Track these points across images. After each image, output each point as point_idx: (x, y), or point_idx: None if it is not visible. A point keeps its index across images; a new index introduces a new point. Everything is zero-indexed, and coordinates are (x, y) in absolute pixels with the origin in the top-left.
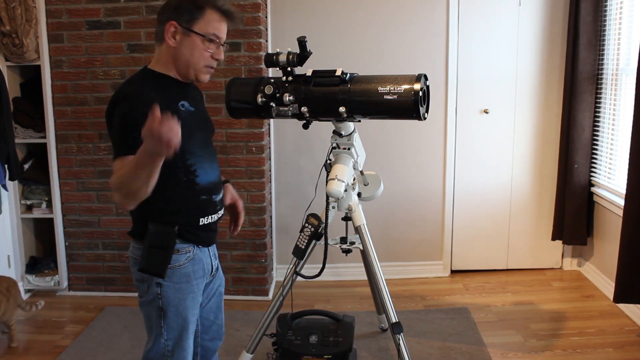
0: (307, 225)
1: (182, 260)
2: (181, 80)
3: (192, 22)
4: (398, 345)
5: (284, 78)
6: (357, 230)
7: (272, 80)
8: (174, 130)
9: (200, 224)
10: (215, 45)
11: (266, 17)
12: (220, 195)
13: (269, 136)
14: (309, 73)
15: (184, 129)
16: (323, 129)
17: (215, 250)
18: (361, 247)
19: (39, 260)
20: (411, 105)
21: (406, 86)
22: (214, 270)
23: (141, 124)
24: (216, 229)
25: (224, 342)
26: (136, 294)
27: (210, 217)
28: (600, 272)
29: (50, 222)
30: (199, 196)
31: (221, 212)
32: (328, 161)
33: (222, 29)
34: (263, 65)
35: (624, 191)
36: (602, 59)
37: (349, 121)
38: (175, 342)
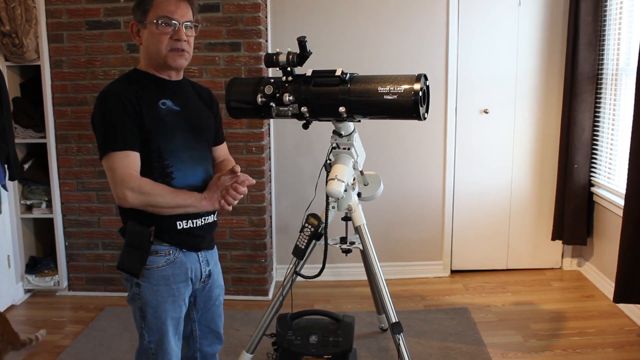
0: (307, 225)
1: (161, 262)
2: (167, 79)
3: (145, 14)
4: (398, 345)
5: (284, 78)
6: (357, 230)
7: (272, 80)
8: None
9: (178, 227)
10: (171, 27)
11: (266, 17)
12: None
13: (269, 136)
14: (309, 73)
15: (163, 128)
16: (323, 129)
17: (212, 256)
18: (361, 247)
19: (39, 260)
20: (411, 105)
21: (406, 86)
22: (204, 277)
23: (121, 116)
24: (205, 234)
25: (224, 342)
26: None
27: (190, 221)
28: (600, 272)
29: (50, 222)
30: None
31: (209, 218)
32: (328, 161)
33: (172, 10)
34: (263, 65)
35: (624, 191)
36: (602, 59)
37: (349, 121)
38: (157, 345)
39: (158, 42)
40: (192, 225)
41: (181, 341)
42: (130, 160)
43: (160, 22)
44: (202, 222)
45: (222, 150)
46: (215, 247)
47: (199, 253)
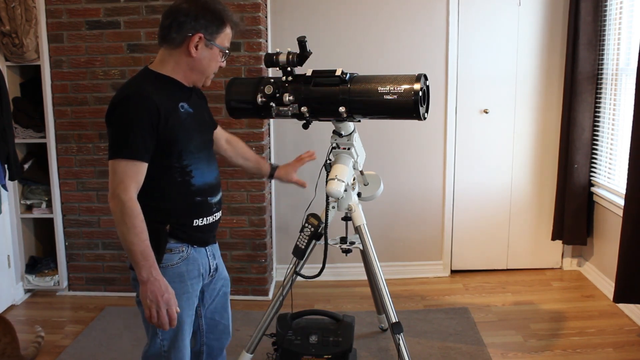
0: (307, 225)
1: (175, 260)
2: (184, 84)
3: (215, 35)
4: (398, 345)
5: (284, 78)
6: (357, 230)
7: (272, 80)
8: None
9: (194, 224)
10: (225, 56)
11: (266, 17)
12: (217, 198)
13: (269, 136)
14: (309, 73)
15: (182, 130)
16: (323, 129)
17: (216, 250)
18: (361, 247)
19: (39, 260)
20: (411, 105)
21: (406, 86)
22: (212, 271)
23: (141, 124)
24: (213, 229)
25: None
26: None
27: (205, 219)
28: (600, 272)
29: (50, 222)
30: (193, 197)
31: (218, 214)
32: (328, 161)
33: (229, 42)
34: (263, 65)
35: (624, 191)
36: (602, 59)
37: (349, 121)
38: (170, 343)
39: (213, 67)
40: (205, 222)
41: (189, 339)
42: (136, 170)
43: (226, 52)
44: (213, 219)
45: (221, 132)
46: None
47: (206, 248)
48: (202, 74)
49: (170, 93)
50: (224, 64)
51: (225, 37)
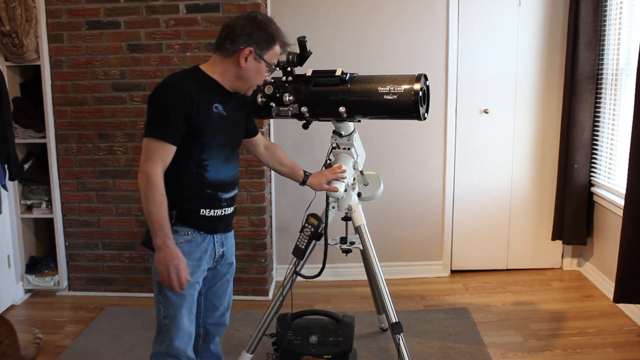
0: (307, 225)
1: (180, 240)
2: (225, 88)
3: (265, 51)
4: (398, 345)
5: (284, 78)
6: (357, 230)
7: (272, 80)
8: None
9: (201, 214)
10: (272, 71)
11: None
12: (230, 195)
13: (269, 136)
14: (309, 73)
15: (210, 126)
16: (323, 129)
17: (228, 238)
18: (361, 247)
19: (39, 260)
20: (411, 105)
21: (406, 86)
22: (217, 257)
23: (175, 111)
24: (222, 220)
25: (224, 342)
26: (136, 294)
27: (213, 211)
28: (600, 272)
29: (50, 222)
30: (204, 189)
31: (229, 209)
32: (328, 161)
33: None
34: None
35: (624, 191)
36: (602, 59)
37: (349, 121)
38: (171, 320)
39: (257, 79)
40: (213, 214)
41: (194, 324)
42: (164, 150)
43: (272, 68)
44: (222, 212)
45: (260, 138)
46: (232, 230)
47: (214, 235)
48: (246, 83)
49: (209, 92)
50: (269, 78)
51: (274, 54)
